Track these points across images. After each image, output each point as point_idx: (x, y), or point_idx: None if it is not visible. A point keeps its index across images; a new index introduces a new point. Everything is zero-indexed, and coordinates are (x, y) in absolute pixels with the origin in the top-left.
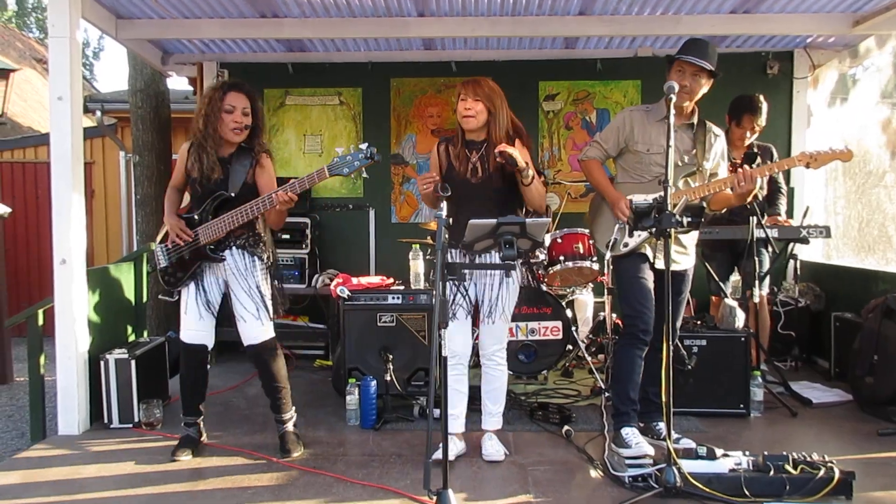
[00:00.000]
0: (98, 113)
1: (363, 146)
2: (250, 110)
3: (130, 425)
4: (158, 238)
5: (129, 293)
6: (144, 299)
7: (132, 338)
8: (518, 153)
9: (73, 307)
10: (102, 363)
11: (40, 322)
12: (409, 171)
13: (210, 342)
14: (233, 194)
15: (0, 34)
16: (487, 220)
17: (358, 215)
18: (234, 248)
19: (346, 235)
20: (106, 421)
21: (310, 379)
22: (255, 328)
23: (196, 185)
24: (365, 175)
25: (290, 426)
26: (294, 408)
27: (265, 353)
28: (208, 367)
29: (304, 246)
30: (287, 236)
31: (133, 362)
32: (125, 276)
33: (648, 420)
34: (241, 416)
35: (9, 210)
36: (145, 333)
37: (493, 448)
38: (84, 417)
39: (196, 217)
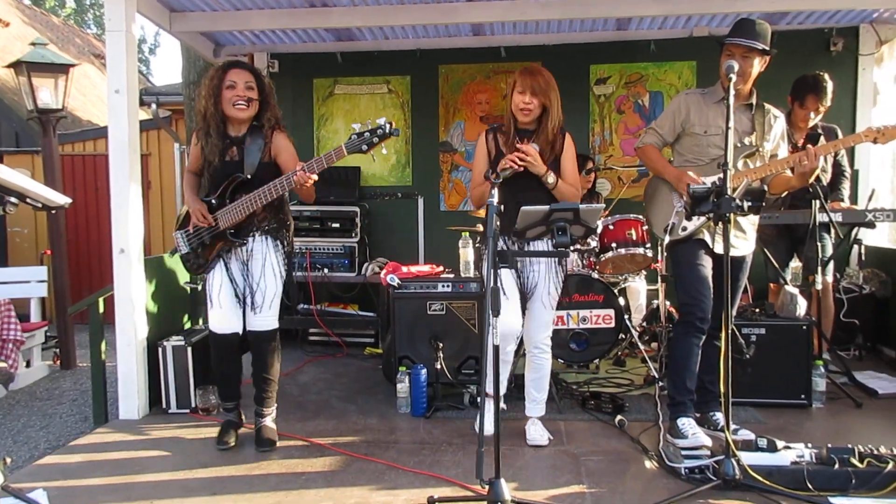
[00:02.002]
0: (153, 105)
1: (380, 121)
2: (255, 85)
3: (187, 410)
4: (177, 224)
5: (184, 280)
6: (199, 288)
7: (187, 325)
8: (537, 159)
9: (132, 296)
10: (160, 350)
11: (101, 310)
12: (458, 158)
13: (239, 328)
14: (248, 176)
15: (59, 31)
16: (540, 207)
17: (407, 203)
18: (257, 232)
19: (395, 224)
20: (164, 406)
21: (360, 367)
22: (263, 316)
23: (210, 169)
24: (384, 151)
25: (268, 421)
26: (276, 406)
27: (266, 342)
28: (241, 355)
29: (353, 235)
30: (337, 225)
31: (189, 349)
32: (180, 265)
33: (705, 410)
34: (294, 403)
35: (70, 200)
36: (200, 321)
37: (537, 433)
38: (143, 403)
39: (214, 201)
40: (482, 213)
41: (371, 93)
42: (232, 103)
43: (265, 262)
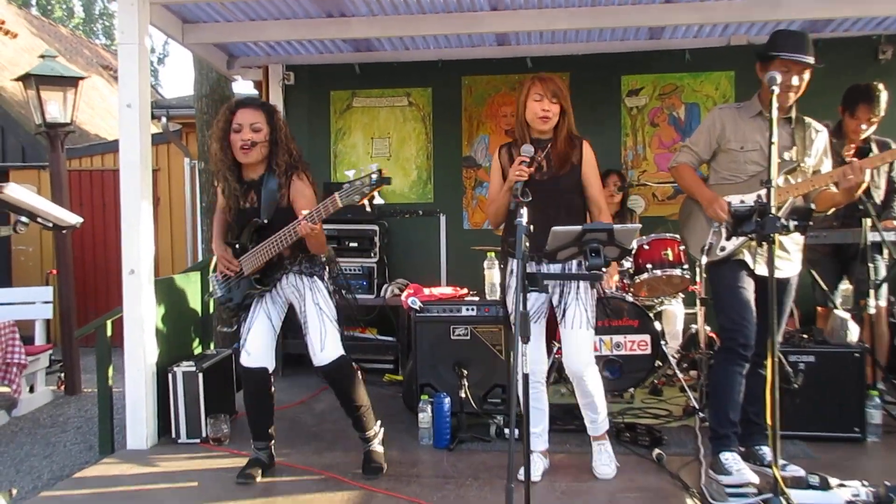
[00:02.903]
0: (163, 119)
1: (371, 167)
2: (263, 125)
3: (198, 440)
4: (212, 266)
5: (196, 304)
6: (211, 310)
7: (198, 350)
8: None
9: (142, 319)
10: (170, 376)
11: (108, 333)
12: (482, 174)
13: (271, 364)
14: (265, 221)
15: (68, 42)
16: (572, 227)
17: (428, 222)
18: (290, 274)
19: (415, 243)
20: (174, 435)
21: (379, 394)
22: (319, 351)
23: (232, 213)
24: (379, 200)
25: (375, 444)
26: (380, 423)
27: (335, 373)
28: (272, 388)
29: (372, 254)
30: (355, 244)
31: (200, 375)
32: (191, 286)
33: (750, 444)
34: (309, 433)
35: (81, 220)
36: (212, 345)
37: (603, 462)
38: (152, 432)
39: (237, 246)
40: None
41: (391, 105)
42: (237, 147)
43: (301, 299)
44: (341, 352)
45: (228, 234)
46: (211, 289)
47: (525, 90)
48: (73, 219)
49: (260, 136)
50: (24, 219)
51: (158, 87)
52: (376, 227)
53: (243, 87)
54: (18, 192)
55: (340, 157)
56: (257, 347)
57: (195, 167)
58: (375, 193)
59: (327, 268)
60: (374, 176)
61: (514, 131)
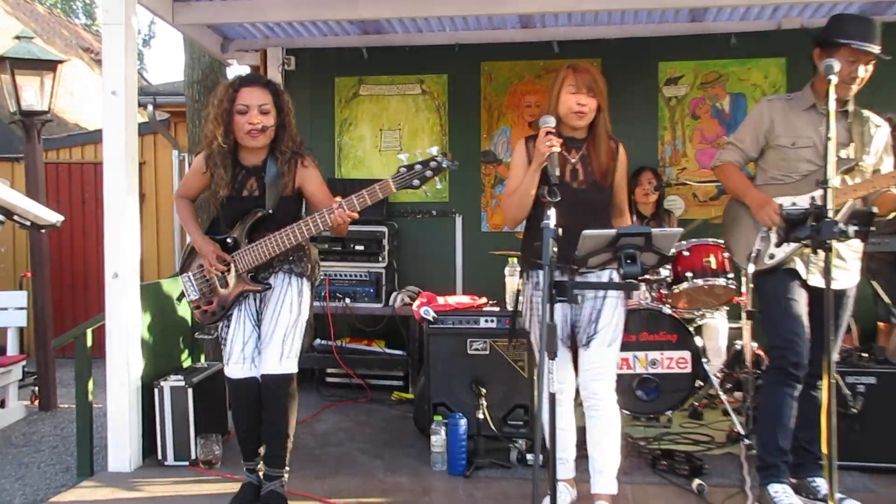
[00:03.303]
0: (149, 107)
1: (433, 151)
2: (271, 107)
3: (187, 463)
4: (180, 265)
5: (185, 312)
6: (212, 337)
7: (187, 362)
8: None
9: (127, 327)
10: (157, 391)
11: (88, 343)
12: (503, 170)
13: (257, 373)
14: (270, 211)
15: (45, 21)
16: (605, 231)
17: (443, 223)
18: (280, 272)
19: (429, 247)
20: (160, 457)
21: (387, 414)
22: (278, 359)
23: (224, 203)
24: (438, 185)
25: (277, 486)
26: (288, 469)
27: (280, 388)
28: (226, 407)
29: (380, 259)
30: (361, 248)
31: (190, 391)
32: (178, 292)
33: (803, 475)
34: (311, 457)
35: (62, 219)
36: (202, 358)
37: None
38: (136, 452)
39: (229, 241)
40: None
41: (402, 94)
42: (244, 131)
43: (282, 300)
44: (296, 368)
45: (211, 227)
46: (183, 290)
47: (559, 81)
48: (54, 217)
49: (269, 119)
50: None
51: (144, 71)
52: (385, 229)
53: (239, 72)
54: None
55: (345, 150)
56: (245, 358)
57: (184, 160)
58: (436, 179)
59: (314, 268)
60: (439, 160)
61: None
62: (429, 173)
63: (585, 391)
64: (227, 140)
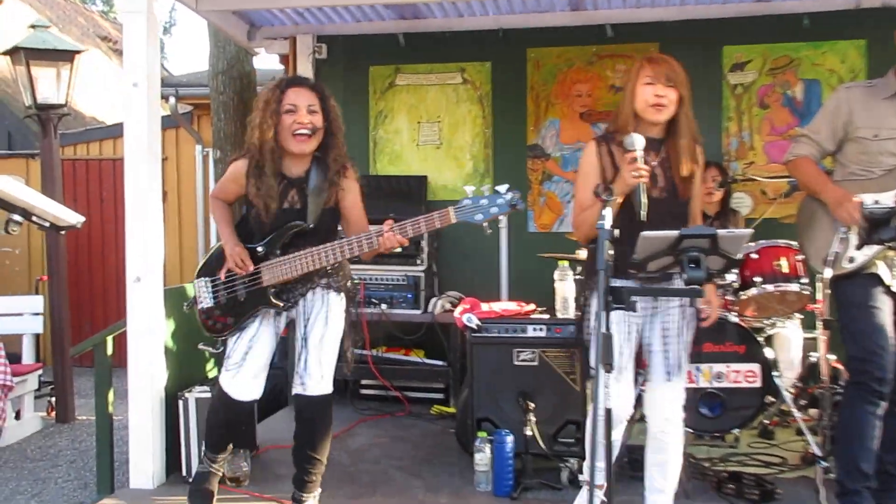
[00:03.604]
0: (171, 99)
1: (502, 189)
2: (319, 108)
3: None
4: (199, 267)
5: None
6: (219, 350)
7: (213, 373)
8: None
9: (150, 334)
10: (181, 403)
11: (109, 351)
12: (552, 165)
13: (258, 394)
14: (311, 225)
15: (61, 8)
16: (666, 232)
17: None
18: (318, 287)
19: (471, 248)
20: (184, 473)
21: (427, 430)
22: (318, 379)
23: (261, 214)
24: (502, 222)
25: None
26: (320, 490)
27: (316, 409)
28: (255, 420)
29: (418, 262)
30: (398, 250)
31: None
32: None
33: (889, 501)
34: (344, 474)
35: (82, 220)
36: None
37: None
38: (160, 468)
39: (260, 250)
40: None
41: (441, 83)
42: (292, 132)
43: (316, 317)
44: (331, 388)
45: (246, 237)
46: (196, 296)
47: (633, 75)
48: (74, 218)
49: (318, 121)
50: (17, 217)
51: (164, 61)
52: None
53: (266, 61)
54: (11, 185)
55: (381, 144)
56: (247, 375)
57: (208, 156)
58: (499, 219)
59: (347, 280)
60: (507, 199)
61: (615, 123)
62: (494, 210)
63: (654, 412)
64: (275, 145)
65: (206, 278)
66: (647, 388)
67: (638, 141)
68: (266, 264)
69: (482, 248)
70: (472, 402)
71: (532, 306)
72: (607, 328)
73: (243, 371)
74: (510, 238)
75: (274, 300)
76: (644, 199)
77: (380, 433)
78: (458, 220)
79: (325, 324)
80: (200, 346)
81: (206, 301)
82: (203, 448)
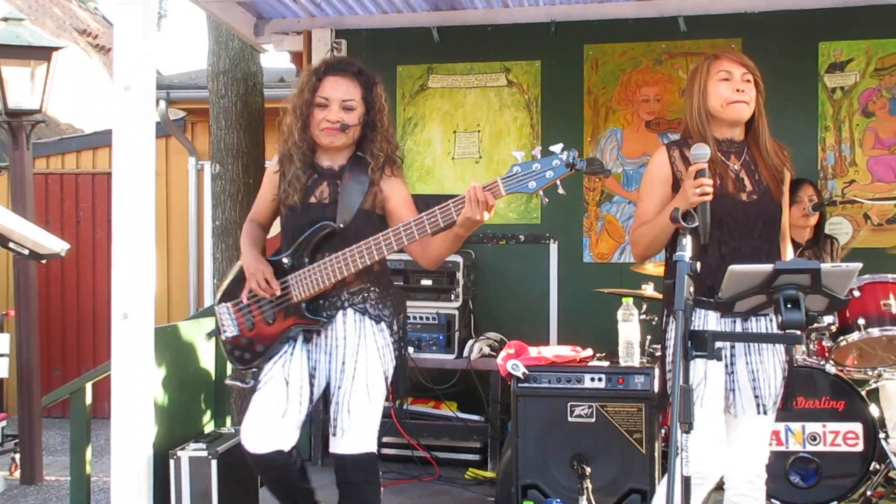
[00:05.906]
0: (161, 103)
1: (556, 148)
2: (358, 102)
3: None
4: (220, 292)
5: (208, 362)
6: (227, 371)
7: (210, 426)
8: None
9: (138, 381)
10: (173, 462)
11: (87, 400)
12: (612, 184)
13: (285, 445)
14: (341, 225)
15: None
16: (758, 266)
17: (533, 252)
18: (348, 309)
19: (514, 282)
20: None
21: (460, 497)
22: (356, 434)
23: (286, 212)
24: (561, 191)
25: None
26: None
27: (359, 471)
28: (306, 471)
29: (452, 297)
30: (428, 282)
31: (214, 462)
32: (202, 338)
33: None
34: None
35: (67, 247)
36: (228, 421)
37: None
38: None
39: (286, 261)
40: (651, 268)
41: (482, 86)
42: (320, 129)
43: (352, 353)
44: (375, 446)
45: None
46: (218, 324)
47: (701, 74)
48: (58, 245)
49: (353, 118)
50: None
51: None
52: (459, 259)
53: (274, 60)
54: None
55: (410, 157)
56: (271, 424)
57: (203, 170)
58: (559, 182)
59: (398, 312)
60: (563, 157)
61: (686, 130)
62: (550, 174)
63: (736, 467)
64: (304, 137)
65: (227, 303)
66: (728, 434)
67: (703, 152)
68: (294, 276)
69: (528, 282)
70: (517, 466)
71: (589, 351)
72: (686, 380)
73: (257, 414)
74: (561, 269)
75: (308, 317)
76: (708, 220)
77: (405, 501)
78: (507, 193)
79: (372, 365)
80: (227, 382)
81: (230, 330)
82: None
